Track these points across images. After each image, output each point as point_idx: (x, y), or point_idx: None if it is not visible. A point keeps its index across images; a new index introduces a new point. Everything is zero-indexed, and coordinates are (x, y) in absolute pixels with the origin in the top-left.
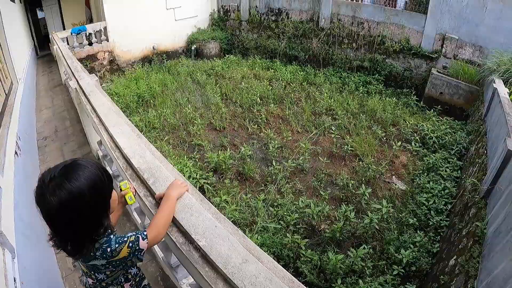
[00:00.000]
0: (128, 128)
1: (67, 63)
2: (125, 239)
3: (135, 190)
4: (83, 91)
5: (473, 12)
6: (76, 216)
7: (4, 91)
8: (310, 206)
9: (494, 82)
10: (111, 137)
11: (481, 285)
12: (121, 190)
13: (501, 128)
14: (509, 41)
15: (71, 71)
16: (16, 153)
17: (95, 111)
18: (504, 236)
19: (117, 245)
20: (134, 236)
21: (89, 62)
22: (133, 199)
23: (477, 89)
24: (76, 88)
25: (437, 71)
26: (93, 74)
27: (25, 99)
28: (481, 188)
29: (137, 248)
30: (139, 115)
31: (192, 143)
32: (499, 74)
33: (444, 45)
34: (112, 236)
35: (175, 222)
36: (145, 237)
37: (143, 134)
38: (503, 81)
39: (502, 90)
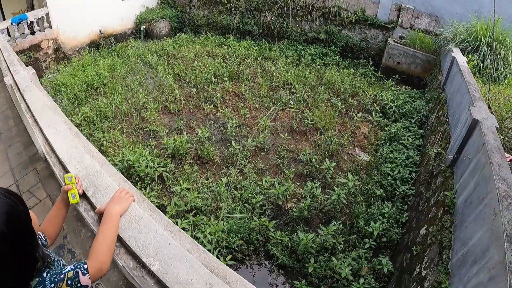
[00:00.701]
0: (65, 127)
1: (3, 57)
2: (62, 276)
3: (82, 189)
4: (18, 87)
5: None
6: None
7: None
8: (275, 186)
9: (452, 51)
10: (46, 139)
11: (456, 256)
12: (65, 183)
13: (462, 97)
14: (465, 11)
15: (7, 65)
16: None
17: (29, 109)
18: (477, 206)
19: (52, 285)
20: (72, 272)
21: (32, 52)
22: (77, 197)
23: (434, 58)
24: (11, 84)
25: (394, 41)
26: (30, 66)
27: None
28: (447, 157)
29: (78, 285)
30: (89, 105)
31: (147, 129)
32: (456, 43)
33: (400, 15)
34: (45, 274)
35: (122, 242)
36: (85, 272)
37: (95, 124)
38: (460, 50)
39: (461, 59)
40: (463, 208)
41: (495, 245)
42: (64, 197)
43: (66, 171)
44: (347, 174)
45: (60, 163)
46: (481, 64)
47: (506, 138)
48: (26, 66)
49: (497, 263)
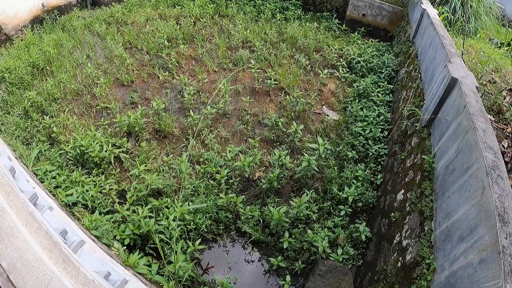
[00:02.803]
0: None
1: None
2: None
3: None
4: None
5: None
6: None
7: None
8: (240, 156)
9: (422, 3)
10: None
11: (439, 228)
12: None
13: (436, 52)
14: None
15: None
16: None
17: None
18: (461, 175)
19: None
20: None
21: None
22: None
23: (401, 10)
24: None
25: None
26: None
27: None
28: (422, 117)
29: None
30: (36, 88)
31: (99, 107)
32: None
33: None
34: None
35: None
36: None
37: (44, 109)
38: (429, 2)
39: (432, 11)
40: (443, 175)
41: (485, 224)
42: None
43: None
44: (316, 137)
45: None
46: (452, 17)
47: (482, 97)
48: None
49: (489, 245)
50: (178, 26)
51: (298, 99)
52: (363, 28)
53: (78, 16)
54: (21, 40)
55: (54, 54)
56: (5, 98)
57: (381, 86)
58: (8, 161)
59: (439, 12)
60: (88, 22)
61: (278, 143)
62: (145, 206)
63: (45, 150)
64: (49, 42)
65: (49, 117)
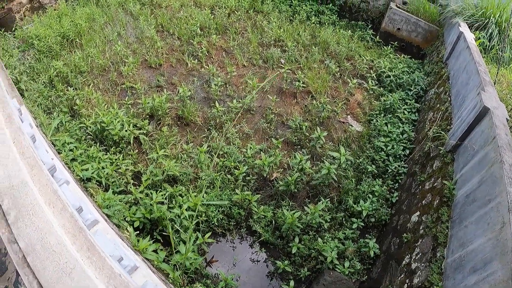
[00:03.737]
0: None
1: None
2: None
3: None
4: None
5: None
6: None
7: None
8: (260, 154)
9: (460, 26)
10: None
11: (452, 255)
12: None
13: (470, 77)
14: None
15: None
16: None
17: None
18: (481, 206)
19: None
20: None
21: (5, 3)
22: None
23: (437, 29)
24: None
25: (397, 5)
26: None
27: None
28: (448, 141)
29: None
30: (64, 59)
31: (124, 86)
32: (464, 17)
33: None
34: None
35: None
36: None
37: (69, 80)
38: (467, 25)
39: (469, 35)
40: (463, 203)
41: (500, 260)
42: None
43: None
44: (338, 145)
45: None
46: (488, 44)
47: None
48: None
49: (501, 281)
50: (212, 16)
51: (324, 105)
52: (396, 43)
53: None
54: (54, 9)
55: (85, 27)
56: (32, 64)
57: (408, 104)
58: (30, 128)
59: (475, 37)
60: (123, 0)
61: (299, 146)
62: (159, 192)
63: (65, 122)
64: (81, 15)
65: (73, 89)
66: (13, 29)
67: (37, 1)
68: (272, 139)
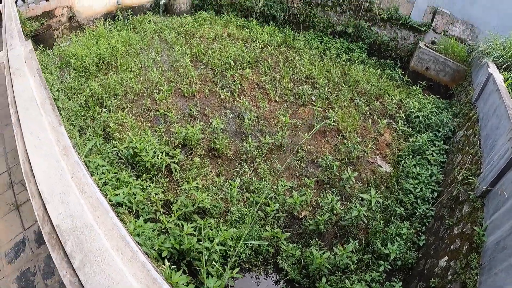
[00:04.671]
0: (51, 137)
1: (5, 26)
2: None
3: None
4: (9, 68)
5: None
6: None
7: None
8: (291, 191)
9: (489, 67)
10: (26, 152)
11: None
12: None
13: (500, 121)
14: (502, 24)
15: (5, 37)
16: None
17: (15, 102)
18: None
19: None
20: None
21: (45, 19)
22: None
23: (465, 69)
24: (4, 62)
25: (425, 45)
26: (29, 41)
27: None
28: (478, 186)
29: None
30: (99, 80)
31: (158, 113)
32: (493, 58)
33: (434, 19)
34: None
35: None
36: None
37: (103, 102)
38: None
39: (498, 77)
40: (493, 250)
41: None
42: None
43: (46, 211)
44: (367, 186)
45: (40, 196)
46: None
47: None
48: (38, 34)
49: None
50: (246, 49)
51: (355, 146)
52: (424, 82)
53: (150, 20)
54: (92, 31)
55: (122, 51)
56: (71, 84)
57: (436, 145)
58: (78, 157)
59: (504, 78)
60: (159, 28)
61: (329, 185)
62: (189, 223)
63: (99, 144)
64: (118, 38)
65: (106, 111)
66: (52, 46)
67: (75, 21)
68: (305, 178)
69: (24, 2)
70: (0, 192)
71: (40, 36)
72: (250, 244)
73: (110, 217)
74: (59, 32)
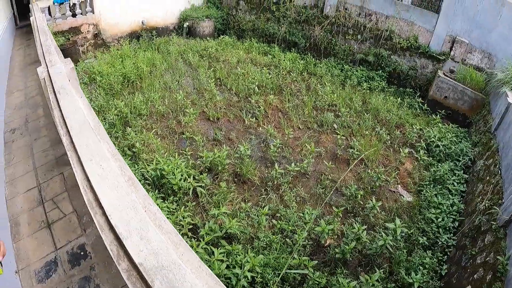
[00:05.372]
0: (114, 166)
1: (40, 41)
2: None
3: (4, 252)
4: (52, 86)
5: (487, 17)
6: None
7: None
8: (317, 218)
9: (508, 96)
10: (88, 181)
11: None
12: None
13: None
14: None
15: (43, 52)
16: None
17: (64, 122)
18: None
19: None
20: None
21: (71, 35)
22: None
23: (483, 98)
24: (44, 79)
25: (444, 73)
26: (68, 58)
27: None
28: (500, 216)
29: None
30: (124, 99)
31: (184, 136)
32: (511, 87)
33: (453, 48)
34: None
35: None
36: None
37: (128, 121)
38: None
39: None
40: None
41: None
42: None
43: (122, 247)
44: (390, 215)
45: (112, 230)
46: None
47: None
48: (63, 49)
49: None
50: (269, 75)
51: (379, 176)
52: (443, 111)
53: (174, 42)
54: (117, 49)
55: (146, 71)
56: (100, 102)
57: (456, 175)
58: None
59: None
60: (182, 50)
61: (353, 214)
62: (218, 248)
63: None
64: (143, 58)
65: (132, 130)
66: (77, 62)
67: (100, 38)
68: (333, 207)
69: (51, 16)
70: (30, 208)
71: (66, 51)
72: (296, 272)
73: (195, 255)
74: (84, 49)
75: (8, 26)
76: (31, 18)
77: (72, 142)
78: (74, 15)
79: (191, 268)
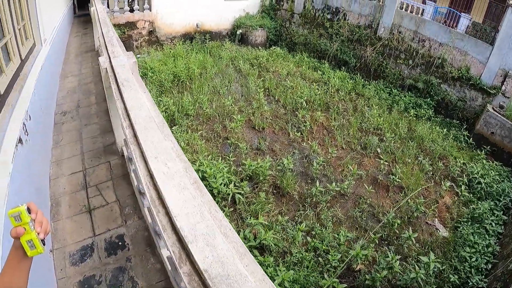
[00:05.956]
0: (180, 167)
1: (102, 32)
2: None
3: (48, 230)
4: (115, 77)
5: None
6: None
7: (20, 56)
8: (351, 244)
9: None
10: (153, 179)
11: None
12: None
13: None
14: None
15: (105, 42)
16: (20, 140)
17: (128, 116)
18: None
19: None
20: None
21: (127, 29)
22: (37, 245)
23: None
24: (106, 69)
25: (493, 108)
26: (131, 52)
27: (49, 64)
28: None
29: None
30: (173, 97)
31: (228, 142)
32: None
33: (505, 83)
34: None
35: None
36: None
37: (175, 119)
38: None
39: None
40: None
41: None
42: (18, 252)
43: (187, 254)
44: (423, 248)
45: (175, 232)
46: None
47: None
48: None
49: None
50: (318, 91)
51: (418, 207)
52: (488, 147)
53: (226, 48)
54: (170, 48)
55: (197, 73)
56: (153, 99)
57: (496, 215)
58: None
59: None
60: (233, 56)
61: (387, 242)
62: None
63: None
64: (195, 60)
65: (177, 128)
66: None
67: (154, 36)
68: (370, 232)
69: (109, 9)
70: (73, 191)
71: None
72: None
73: (259, 267)
74: (138, 44)
75: (67, 14)
76: (91, 9)
77: (135, 136)
78: (131, 10)
79: (254, 280)
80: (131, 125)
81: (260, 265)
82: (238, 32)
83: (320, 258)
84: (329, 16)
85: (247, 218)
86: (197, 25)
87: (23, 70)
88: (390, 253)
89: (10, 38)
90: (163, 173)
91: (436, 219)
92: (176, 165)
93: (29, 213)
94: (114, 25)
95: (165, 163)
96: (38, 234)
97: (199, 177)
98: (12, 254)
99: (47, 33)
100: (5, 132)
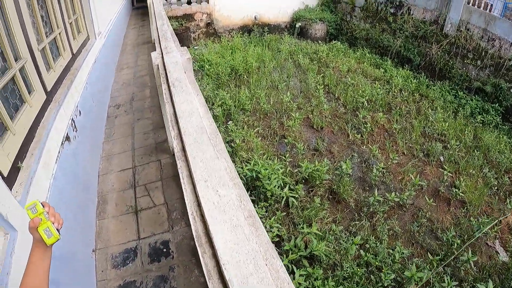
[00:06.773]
0: (234, 193)
1: (156, 25)
2: None
3: (61, 220)
4: (166, 76)
5: None
6: None
7: (72, 50)
8: (405, 261)
9: None
10: (200, 208)
11: None
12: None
13: None
14: None
15: (158, 36)
16: (67, 138)
17: (177, 123)
18: None
19: None
20: None
21: (184, 21)
22: (54, 232)
23: None
24: (158, 65)
25: None
26: (185, 47)
27: (104, 56)
28: None
29: None
30: (230, 91)
31: (285, 141)
32: None
33: None
34: None
35: None
36: None
37: (232, 115)
38: None
39: None
40: None
41: None
42: (38, 244)
43: None
44: (481, 272)
45: (222, 281)
46: None
47: None
48: (176, 34)
49: None
50: (380, 91)
51: (482, 226)
52: None
53: (285, 41)
54: (228, 41)
55: (255, 66)
56: (208, 93)
57: None
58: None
59: None
60: (292, 50)
61: (442, 261)
62: (299, 269)
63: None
64: (253, 53)
65: (232, 124)
66: (188, 47)
67: (212, 28)
68: (429, 255)
69: (167, 1)
70: (121, 189)
71: (178, 36)
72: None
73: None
74: (195, 35)
75: (126, 6)
76: (148, 1)
77: (183, 149)
78: (189, 3)
79: None
80: (180, 135)
81: (308, 276)
82: (297, 25)
83: (372, 276)
84: (392, 10)
85: (299, 224)
86: (255, 17)
87: (74, 65)
88: (446, 276)
89: (60, 33)
90: (213, 204)
91: (497, 241)
92: (230, 192)
93: (43, 206)
94: (171, 17)
95: (216, 190)
96: (53, 223)
97: (253, 177)
98: (34, 249)
99: (102, 26)
100: (49, 131)
